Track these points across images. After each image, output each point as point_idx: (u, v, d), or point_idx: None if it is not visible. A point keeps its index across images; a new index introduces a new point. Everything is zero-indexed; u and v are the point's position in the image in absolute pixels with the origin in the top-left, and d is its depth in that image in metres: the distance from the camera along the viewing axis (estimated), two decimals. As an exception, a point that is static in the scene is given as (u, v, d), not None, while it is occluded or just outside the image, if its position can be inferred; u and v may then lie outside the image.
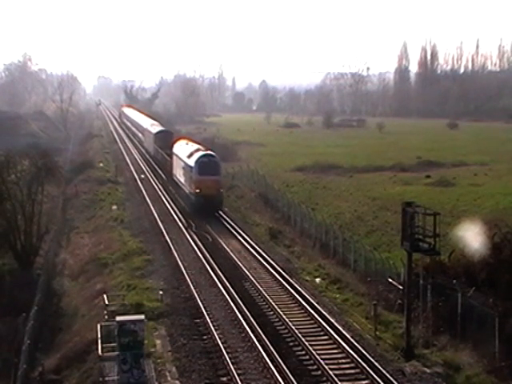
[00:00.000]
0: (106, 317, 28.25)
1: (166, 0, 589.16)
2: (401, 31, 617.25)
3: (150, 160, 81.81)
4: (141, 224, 49.01)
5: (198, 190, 48.88)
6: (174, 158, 60.24)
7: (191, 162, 50.76)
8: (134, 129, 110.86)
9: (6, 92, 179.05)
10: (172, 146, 63.76)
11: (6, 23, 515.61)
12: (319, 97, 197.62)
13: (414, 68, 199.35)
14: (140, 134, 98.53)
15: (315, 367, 23.85)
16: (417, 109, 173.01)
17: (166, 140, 73.98)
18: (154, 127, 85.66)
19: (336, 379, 22.47)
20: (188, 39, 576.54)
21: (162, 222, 47.80)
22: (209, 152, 52.06)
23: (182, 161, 54.88)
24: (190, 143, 59.71)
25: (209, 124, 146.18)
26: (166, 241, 42.45)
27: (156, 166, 76.54)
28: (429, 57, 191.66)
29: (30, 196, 46.04)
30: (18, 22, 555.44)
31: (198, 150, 53.13)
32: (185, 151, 56.06)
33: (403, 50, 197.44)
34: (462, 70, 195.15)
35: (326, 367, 23.39)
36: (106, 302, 29.67)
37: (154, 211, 51.58)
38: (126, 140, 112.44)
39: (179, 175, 57.02)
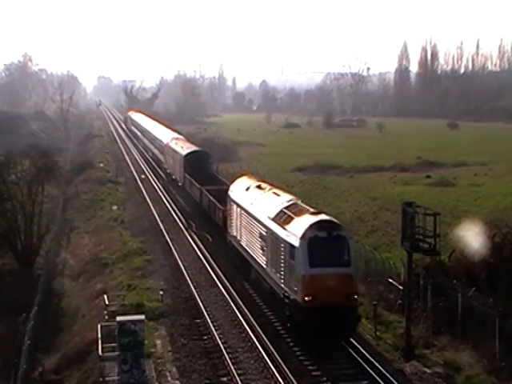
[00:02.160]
0: (107, 317, 28.26)
1: (167, 0, 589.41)
2: (401, 31, 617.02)
3: (178, 197, 57.32)
4: (141, 224, 48.99)
5: (307, 298, 24.76)
6: (235, 209, 35.66)
7: (291, 235, 26.02)
8: (146, 141, 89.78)
9: (7, 92, 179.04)
10: (220, 183, 46.80)
11: (6, 23, 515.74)
12: (319, 97, 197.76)
13: (414, 68, 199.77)
14: (156, 151, 76.07)
15: (315, 367, 23.83)
16: (417, 109, 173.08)
17: (203, 166, 53.35)
18: (180, 145, 60.77)
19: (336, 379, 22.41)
20: (188, 39, 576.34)
21: (162, 222, 47.77)
22: (324, 217, 26.53)
23: (259, 223, 30.32)
24: (265, 185, 34.55)
25: (209, 124, 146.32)
26: (167, 241, 42.45)
27: (188, 206, 52.99)
28: (429, 57, 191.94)
29: (31, 196, 46.08)
30: (18, 21, 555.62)
31: (294, 207, 28.56)
32: (261, 202, 31.64)
33: (403, 49, 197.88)
34: (462, 70, 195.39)
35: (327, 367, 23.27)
36: (107, 302, 29.68)
37: (154, 211, 51.56)
38: (127, 140, 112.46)
39: (251, 248, 32.03)
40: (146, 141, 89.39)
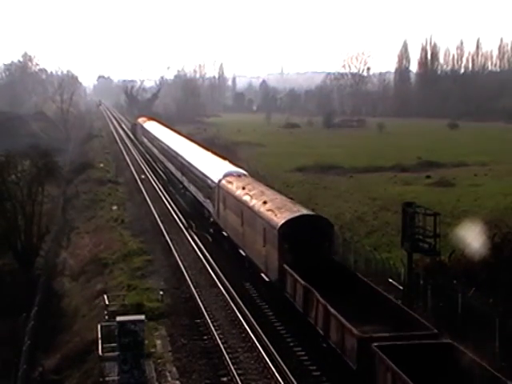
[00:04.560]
0: (107, 317, 28.27)
1: (167, 0, 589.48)
2: (401, 31, 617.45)
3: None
4: (141, 224, 48.99)
5: None
6: None
7: None
8: (169, 164, 66.32)
9: (7, 92, 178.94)
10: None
11: (6, 23, 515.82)
12: (319, 97, 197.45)
13: (414, 68, 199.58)
14: (192, 187, 50.81)
15: (315, 367, 23.81)
16: (417, 109, 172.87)
17: (318, 247, 28.15)
18: (255, 194, 34.60)
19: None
20: (188, 39, 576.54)
21: (162, 222, 47.78)
22: None
23: None
24: None
25: (209, 124, 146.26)
26: (167, 241, 42.45)
27: None
28: (429, 57, 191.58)
29: (31, 196, 46.09)
30: (18, 21, 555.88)
31: None
32: None
33: (403, 49, 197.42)
34: (462, 70, 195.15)
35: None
36: (107, 303, 29.69)
37: (154, 211, 51.55)
38: (127, 141, 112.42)
39: None
40: (169, 164, 66.41)
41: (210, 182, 42.97)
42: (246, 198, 34.33)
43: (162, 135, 77.02)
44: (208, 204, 43.99)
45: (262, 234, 30.52)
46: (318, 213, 33.49)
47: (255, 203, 32.79)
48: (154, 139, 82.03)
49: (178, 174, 59.10)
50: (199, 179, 47.42)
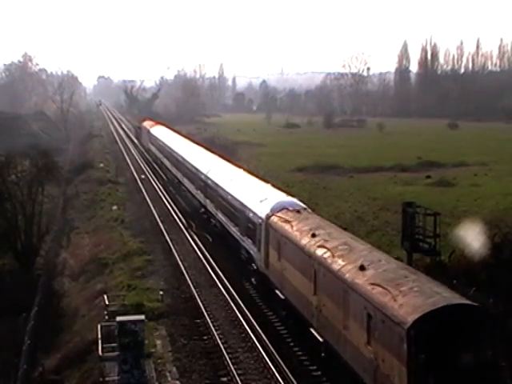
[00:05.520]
0: (107, 317, 28.26)
1: (167, 0, 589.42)
2: (401, 31, 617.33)
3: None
4: (141, 224, 48.98)
5: None
6: None
7: None
8: (185, 181, 55.45)
9: (7, 92, 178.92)
10: None
11: (6, 23, 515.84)
12: (319, 97, 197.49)
13: (414, 68, 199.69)
14: (221, 216, 40.04)
15: (315, 367, 23.82)
16: (417, 109, 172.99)
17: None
18: (354, 264, 20.75)
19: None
20: (188, 39, 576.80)
21: (162, 222, 47.76)
22: None
23: None
24: None
25: (209, 124, 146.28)
26: (167, 241, 42.45)
27: None
28: (429, 57, 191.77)
29: (31, 196, 46.11)
30: (18, 21, 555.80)
31: None
32: None
33: (403, 49, 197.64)
34: (462, 70, 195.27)
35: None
36: (107, 303, 29.69)
37: (154, 211, 51.55)
38: (127, 141, 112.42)
39: None
40: (185, 180, 55.95)
41: (251, 215, 32.03)
42: (323, 253, 22.81)
43: (175, 145, 65.63)
44: (248, 244, 32.92)
45: (363, 324, 18.96)
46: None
47: (344, 267, 20.97)
48: (163, 148, 71.97)
49: (199, 196, 48.23)
50: (234, 209, 36.23)
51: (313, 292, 23.40)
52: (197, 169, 49.30)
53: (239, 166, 46.29)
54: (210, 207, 43.72)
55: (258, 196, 32.85)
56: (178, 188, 60.23)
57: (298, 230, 26.07)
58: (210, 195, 43.87)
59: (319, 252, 23.11)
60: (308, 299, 24.06)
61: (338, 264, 21.42)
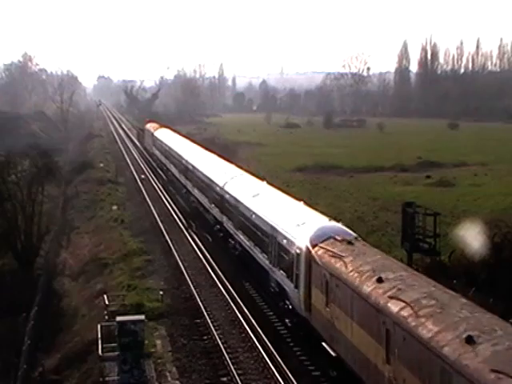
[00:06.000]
0: (107, 317, 28.26)
1: (167, 0, 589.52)
2: (401, 31, 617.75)
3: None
4: (141, 224, 48.97)
5: None
6: None
7: None
8: (198, 194, 49.24)
9: (7, 92, 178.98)
10: None
11: (6, 23, 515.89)
12: (319, 97, 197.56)
13: (414, 68, 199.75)
14: (243, 237, 33.94)
15: (314, 367, 23.81)
16: (417, 109, 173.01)
17: None
18: (458, 338, 14.04)
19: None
20: (188, 39, 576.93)
21: (162, 222, 47.74)
22: None
23: None
24: None
25: (209, 124, 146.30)
26: (167, 241, 42.43)
27: None
28: (429, 57, 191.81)
29: (31, 196, 46.07)
30: (18, 21, 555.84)
31: None
32: None
33: (403, 49, 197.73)
34: (462, 70, 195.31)
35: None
36: (107, 302, 29.68)
37: (154, 211, 51.52)
38: (127, 141, 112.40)
39: None
40: (195, 191, 50.42)
41: (284, 242, 26.19)
42: (399, 309, 16.60)
43: (183, 151, 59.17)
44: (281, 277, 26.77)
45: None
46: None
47: (438, 336, 14.65)
48: (170, 153, 65.90)
49: (214, 211, 42.44)
50: (260, 231, 30.43)
51: (384, 359, 17.10)
52: (211, 180, 43.54)
53: (261, 179, 39.86)
54: (228, 225, 37.83)
55: (292, 218, 26.95)
56: (186, 199, 54.94)
57: (356, 271, 19.67)
58: (227, 211, 38.14)
59: (393, 307, 16.78)
60: (377, 367, 17.61)
61: (428, 329, 14.99)
